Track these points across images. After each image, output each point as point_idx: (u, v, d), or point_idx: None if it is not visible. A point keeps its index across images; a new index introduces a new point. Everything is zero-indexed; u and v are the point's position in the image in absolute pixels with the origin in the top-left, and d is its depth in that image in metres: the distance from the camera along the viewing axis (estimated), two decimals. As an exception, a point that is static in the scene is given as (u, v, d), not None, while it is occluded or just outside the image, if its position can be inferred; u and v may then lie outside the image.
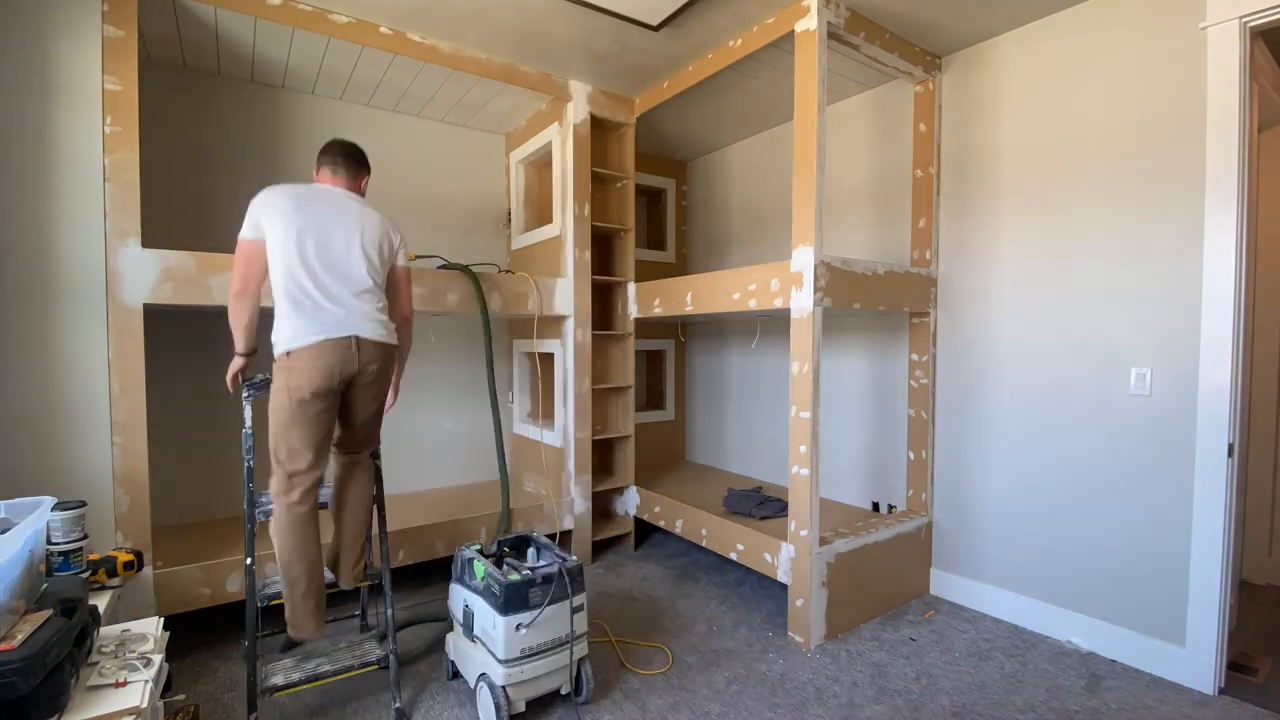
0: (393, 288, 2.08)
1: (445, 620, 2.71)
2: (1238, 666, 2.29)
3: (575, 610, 1.97)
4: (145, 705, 1.26)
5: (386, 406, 2.10)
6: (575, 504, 3.32)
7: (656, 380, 4.58)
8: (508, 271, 3.53)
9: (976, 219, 2.81)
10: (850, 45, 2.60)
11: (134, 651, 1.46)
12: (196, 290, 2.29)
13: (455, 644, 2.16)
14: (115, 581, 1.87)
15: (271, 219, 1.84)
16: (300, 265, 1.82)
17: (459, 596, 2.12)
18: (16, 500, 1.55)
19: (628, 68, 3.10)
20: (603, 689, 2.17)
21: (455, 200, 3.70)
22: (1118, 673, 2.29)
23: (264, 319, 1.96)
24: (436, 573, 3.18)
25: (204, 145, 2.96)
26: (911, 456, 3.03)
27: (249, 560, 1.89)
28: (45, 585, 1.44)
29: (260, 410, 3.06)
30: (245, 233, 1.86)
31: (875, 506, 3.25)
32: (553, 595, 1.93)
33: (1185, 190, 2.20)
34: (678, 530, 3.16)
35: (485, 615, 1.94)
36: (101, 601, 1.70)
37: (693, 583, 3.11)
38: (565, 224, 3.32)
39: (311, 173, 2.13)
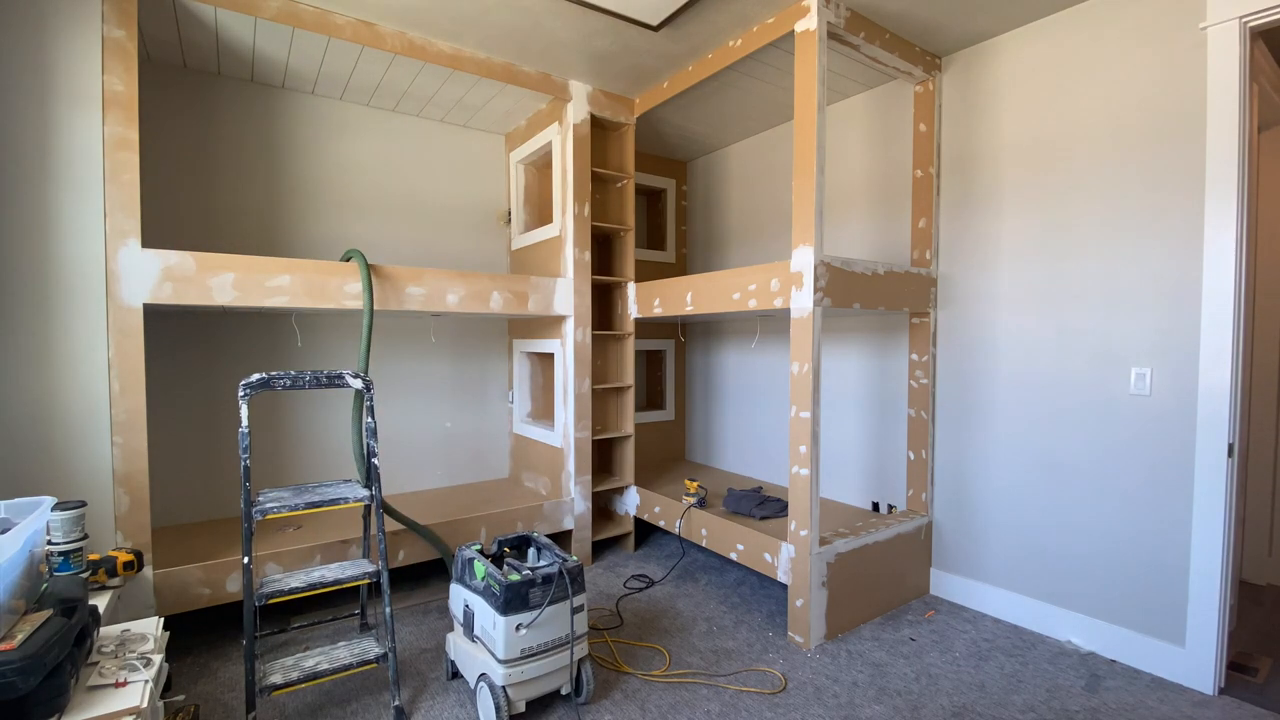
0: None
1: (445, 554, 2.76)
2: (1238, 666, 2.29)
3: (575, 610, 1.97)
4: (145, 705, 1.27)
5: None
6: (575, 504, 3.32)
7: (656, 380, 4.58)
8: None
9: (976, 219, 2.81)
10: (850, 45, 2.60)
11: (134, 651, 1.46)
12: (196, 290, 2.29)
13: (455, 644, 2.16)
14: (115, 581, 1.87)
15: None
16: None
17: (459, 596, 2.12)
18: (16, 500, 1.54)
19: (628, 68, 3.10)
20: (603, 689, 2.17)
21: (455, 200, 3.70)
22: (1118, 673, 2.29)
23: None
24: (436, 573, 3.18)
25: (204, 145, 2.96)
26: (911, 456, 3.03)
27: (246, 560, 1.89)
28: (45, 585, 1.44)
29: (256, 410, 3.08)
30: None
31: (875, 506, 3.25)
32: (553, 595, 1.93)
33: (1185, 190, 2.20)
34: (678, 530, 3.16)
35: (485, 615, 1.94)
36: (101, 601, 1.70)
37: (693, 583, 3.11)
38: (565, 224, 3.32)
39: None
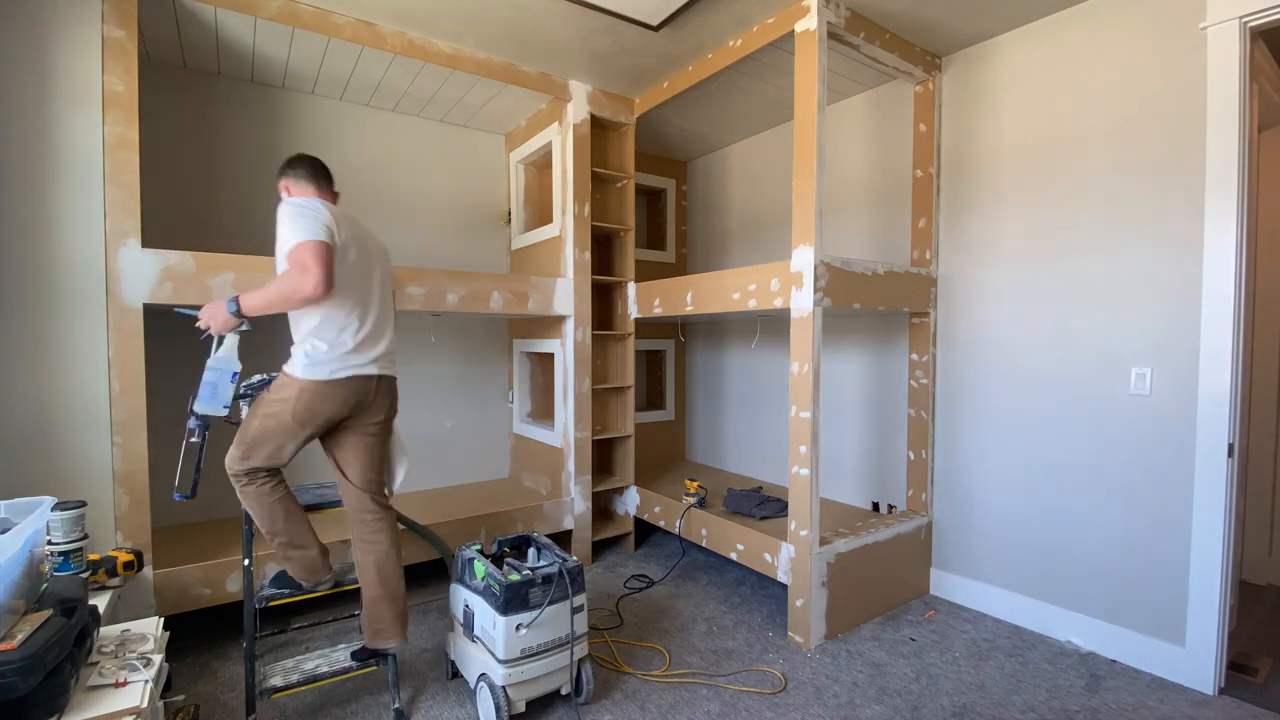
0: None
1: (445, 554, 2.70)
2: (1238, 666, 2.29)
3: (575, 610, 1.97)
4: (145, 705, 1.26)
5: None
6: (575, 504, 3.32)
7: (656, 380, 4.58)
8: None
9: (976, 219, 2.81)
10: (850, 45, 2.60)
11: (134, 651, 1.46)
12: (196, 290, 2.29)
13: (455, 644, 2.16)
14: (115, 581, 1.87)
15: (343, 237, 1.79)
16: (359, 295, 1.85)
17: (459, 596, 2.12)
18: (16, 500, 1.54)
19: (628, 68, 3.10)
20: (603, 689, 2.17)
21: (455, 200, 3.70)
22: (1118, 673, 2.29)
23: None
24: (436, 573, 3.18)
25: (204, 145, 2.96)
26: (911, 456, 3.03)
27: (247, 561, 1.89)
28: (45, 585, 1.44)
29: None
30: (318, 233, 1.67)
31: (875, 506, 3.25)
32: (553, 595, 1.93)
33: (1185, 190, 2.20)
34: (678, 530, 3.16)
35: (485, 615, 1.94)
36: (101, 601, 1.70)
37: (693, 583, 3.11)
38: (565, 224, 3.32)
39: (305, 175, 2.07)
